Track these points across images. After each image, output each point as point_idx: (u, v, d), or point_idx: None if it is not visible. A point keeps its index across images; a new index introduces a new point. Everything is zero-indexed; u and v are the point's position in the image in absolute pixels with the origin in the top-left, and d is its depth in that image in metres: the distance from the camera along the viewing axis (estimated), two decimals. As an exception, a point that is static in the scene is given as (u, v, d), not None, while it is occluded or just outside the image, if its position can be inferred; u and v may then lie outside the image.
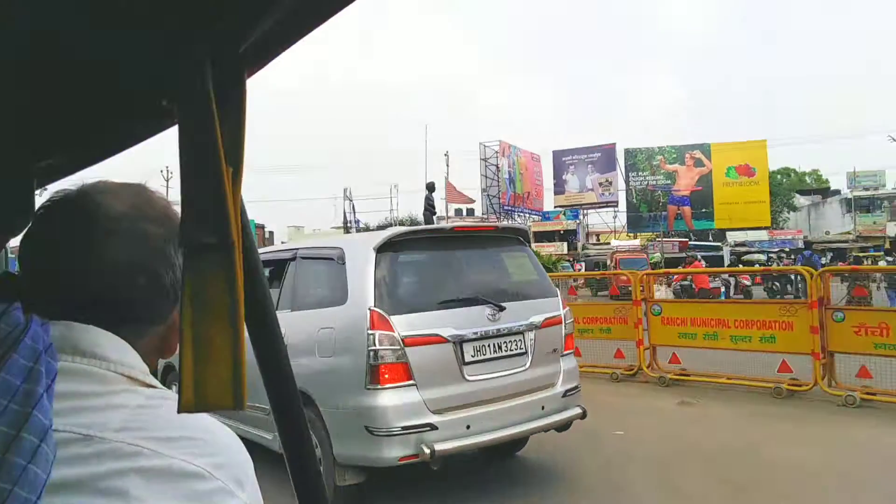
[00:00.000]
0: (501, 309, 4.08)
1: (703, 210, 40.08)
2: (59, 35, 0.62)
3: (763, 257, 27.60)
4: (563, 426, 4.29)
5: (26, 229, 0.69)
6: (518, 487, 4.31)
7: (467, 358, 3.90)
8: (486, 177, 37.56)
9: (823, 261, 27.46)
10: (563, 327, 4.52)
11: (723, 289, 16.36)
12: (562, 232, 43.32)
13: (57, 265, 0.65)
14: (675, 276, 15.21)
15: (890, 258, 22.68)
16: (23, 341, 0.53)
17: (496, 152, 38.30)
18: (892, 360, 6.04)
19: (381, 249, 3.94)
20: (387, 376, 3.62)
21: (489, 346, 4.03)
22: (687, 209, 40.51)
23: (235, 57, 0.59)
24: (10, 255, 1.47)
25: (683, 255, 30.92)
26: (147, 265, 0.66)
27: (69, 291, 0.63)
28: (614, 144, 42.17)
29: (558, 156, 43.25)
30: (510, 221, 34.85)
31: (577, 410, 4.34)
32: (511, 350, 4.14)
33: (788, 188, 47.55)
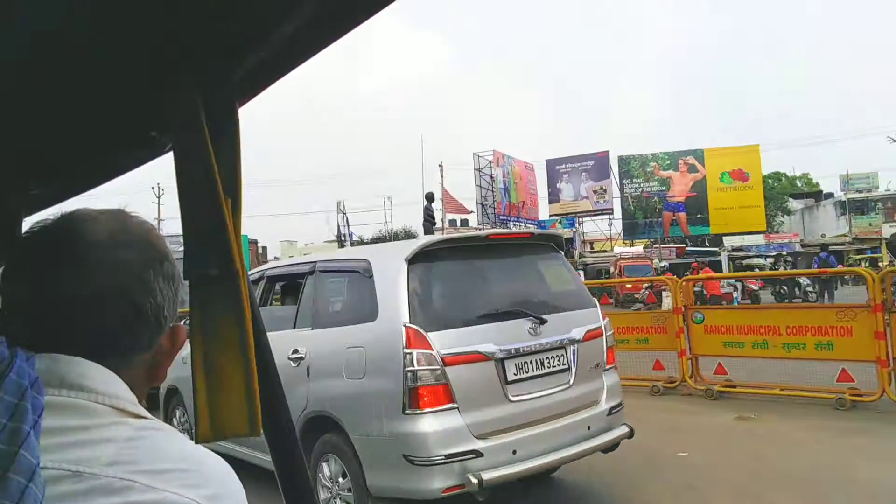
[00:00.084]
0: (543, 322, 3.79)
1: (699, 215, 40.01)
2: (48, 64, 0.61)
3: (763, 261, 27.45)
4: (610, 447, 3.99)
5: (6, 261, 0.68)
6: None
7: (510, 376, 3.60)
8: (480, 187, 37.32)
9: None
10: (605, 340, 4.24)
11: (735, 294, 16.13)
12: (559, 241, 43.05)
13: (36, 296, 0.64)
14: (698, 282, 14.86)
15: None
16: (7, 377, 0.53)
17: (490, 162, 38.12)
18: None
19: (414, 260, 3.65)
20: (426, 399, 3.32)
21: (532, 362, 3.73)
22: (682, 215, 40.43)
23: (227, 89, 0.60)
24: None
25: (682, 261, 30.84)
26: (126, 293, 0.64)
27: (50, 322, 0.63)
28: (608, 152, 42.13)
29: (552, 164, 43.15)
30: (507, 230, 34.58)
31: (625, 429, 4.04)
32: (554, 366, 3.85)
33: (781, 192, 47.71)
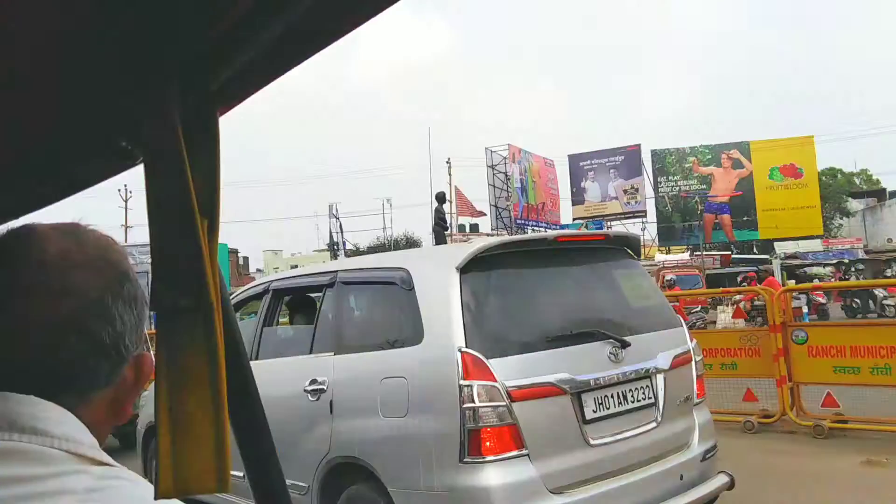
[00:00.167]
0: (625, 345, 3.49)
1: (745, 218, 39.69)
2: (14, 66, 0.62)
3: (825, 270, 27.05)
4: (708, 502, 3.67)
5: None
6: None
7: (588, 414, 3.29)
8: (494, 186, 36.97)
9: (889, 272, 27.00)
10: (694, 367, 3.94)
11: (805, 309, 15.80)
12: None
13: None
14: (744, 295, 14.57)
15: None
16: None
17: (504, 158, 37.81)
18: None
19: (466, 269, 3.35)
20: (489, 444, 3.01)
21: (613, 396, 3.43)
22: (726, 217, 40.13)
23: (205, 96, 0.60)
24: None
25: (728, 270, 30.46)
26: (79, 321, 0.64)
27: None
28: (639, 146, 41.89)
29: (575, 160, 42.88)
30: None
31: (724, 479, 3.73)
32: (638, 401, 3.54)
33: (837, 191, 47.34)
